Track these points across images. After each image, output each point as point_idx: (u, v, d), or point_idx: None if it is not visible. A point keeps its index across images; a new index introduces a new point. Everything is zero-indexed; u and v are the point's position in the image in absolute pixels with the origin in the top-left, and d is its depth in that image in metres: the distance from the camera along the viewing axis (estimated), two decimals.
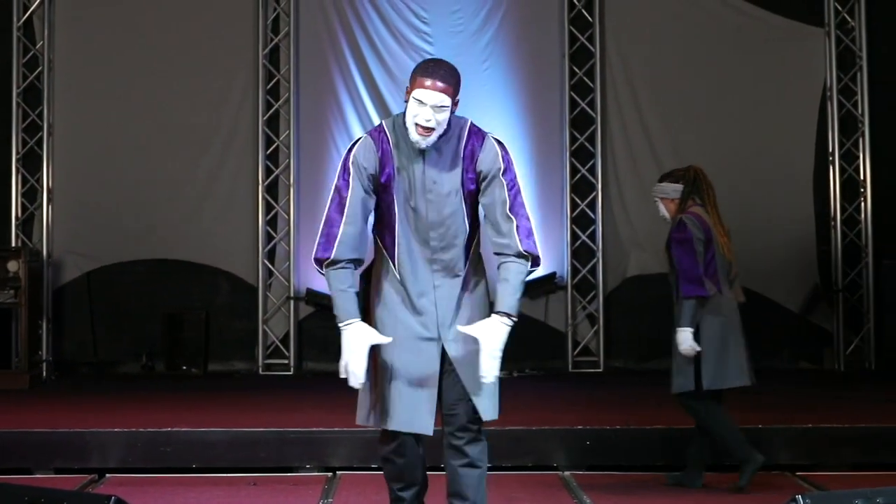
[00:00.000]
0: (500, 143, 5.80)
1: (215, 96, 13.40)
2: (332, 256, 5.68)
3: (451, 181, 5.74)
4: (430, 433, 5.71)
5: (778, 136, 13.46)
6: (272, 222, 13.46)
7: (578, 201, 13.49)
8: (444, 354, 5.74)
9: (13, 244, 13.04)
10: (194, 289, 13.49)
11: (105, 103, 13.31)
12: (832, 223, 13.53)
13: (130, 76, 13.29)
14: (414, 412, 5.69)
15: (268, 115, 13.42)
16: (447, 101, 5.62)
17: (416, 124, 5.64)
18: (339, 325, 5.67)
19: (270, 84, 13.48)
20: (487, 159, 5.74)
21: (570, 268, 13.42)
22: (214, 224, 13.36)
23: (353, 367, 5.61)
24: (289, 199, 13.35)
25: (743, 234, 13.08)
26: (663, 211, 8.10)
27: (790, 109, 13.54)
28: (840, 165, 13.56)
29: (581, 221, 13.54)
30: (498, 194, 5.72)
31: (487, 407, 5.73)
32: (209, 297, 13.52)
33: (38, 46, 13.38)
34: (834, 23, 13.59)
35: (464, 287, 5.80)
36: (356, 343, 5.62)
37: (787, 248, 13.38)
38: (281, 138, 13.45)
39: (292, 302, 13.33)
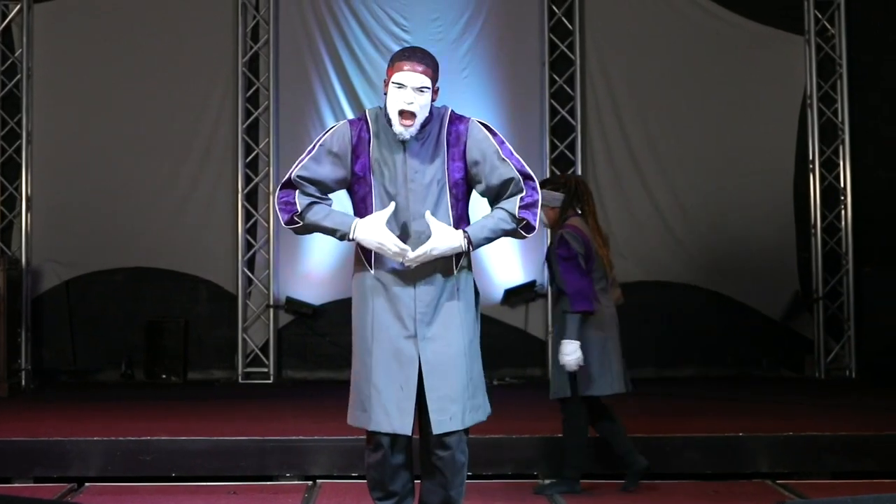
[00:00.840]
0: (485, 125, 5.78)
1: (195, 104, 13.36)
2: (300, 209, 5.74)
3: (433, 171, 5.70)
4: (409, 433, 5.68)
5: (758, 143, 13.46)
6: (252, 230, 13.42)
7: None
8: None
9: None
10: (174, 297, 13.45)
11: (84, 111, 13.27)
12: (812, 231, 13.55)
13: (109, 84, 13.25)
14: (392, 413, 5.66)
15: (247, 122, 13.39)
16: (428, 82, 5.61)
17: (399, 111, 5.61)
18: (350, 235, 5.72)
19: (250, 92, 13.45)
20: (479, 145, 5.72)
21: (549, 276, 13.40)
22: (194, 232, 13.31)
23: (390, 246, 5.62)
24: (268, 208, 13.30)
25: (723, 241, 13.20)
26: (542, 217, 8.17)
27: (770, 117, 13.55)
28: (820, 173, 13.57)
29: None
30: (504, 174, 5.72)
31: (443, 421, 5.70)
32: (189, 306, 13.48)
33: (16, 54, 13.33)
34: (814, 30, 13.61)
35: (447, 285, 5.75)
36: (373, 230, 5.65)
37: (767, 255, 13.39)
38: (260, 146, 13.41)
39: (272, 310, 13.29)
